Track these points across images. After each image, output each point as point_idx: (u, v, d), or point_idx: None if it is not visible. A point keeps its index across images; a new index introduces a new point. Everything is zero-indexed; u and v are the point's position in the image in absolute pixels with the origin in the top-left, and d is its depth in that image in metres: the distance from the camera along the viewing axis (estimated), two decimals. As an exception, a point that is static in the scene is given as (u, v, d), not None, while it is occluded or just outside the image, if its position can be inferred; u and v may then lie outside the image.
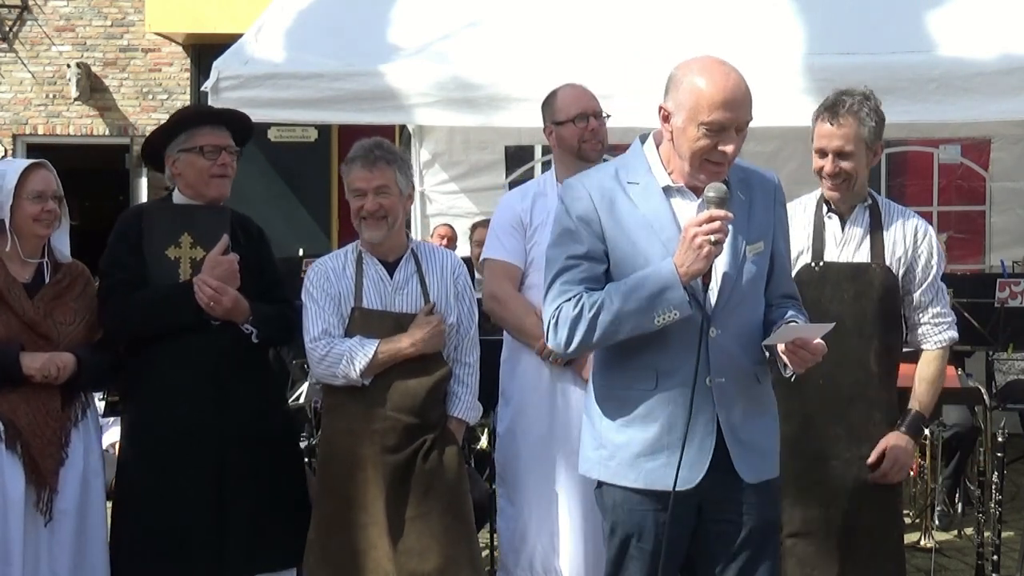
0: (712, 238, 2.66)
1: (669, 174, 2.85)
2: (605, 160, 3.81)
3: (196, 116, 3.88)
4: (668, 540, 2.84)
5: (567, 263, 2.85)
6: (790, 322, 2.84)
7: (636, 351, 2.84)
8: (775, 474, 2.95)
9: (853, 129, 3.44)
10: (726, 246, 2.77)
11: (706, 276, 2.72)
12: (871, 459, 3.46)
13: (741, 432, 2.85)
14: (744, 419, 2.85)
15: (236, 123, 3.92)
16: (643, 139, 2.93)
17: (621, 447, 2.87)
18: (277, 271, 3.99)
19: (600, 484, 2.97)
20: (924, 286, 3.54)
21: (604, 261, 2.84)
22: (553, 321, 2.86)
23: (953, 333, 3.58)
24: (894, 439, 3.47)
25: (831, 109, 3.49)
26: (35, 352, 3.60)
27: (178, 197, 3.83)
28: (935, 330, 3.56)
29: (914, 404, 3.53)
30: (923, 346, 3.58)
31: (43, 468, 3.59)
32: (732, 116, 2.72)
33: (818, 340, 2.78)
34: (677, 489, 2.77)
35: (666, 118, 2.82)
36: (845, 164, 3.46)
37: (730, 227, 2.76)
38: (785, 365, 2.84)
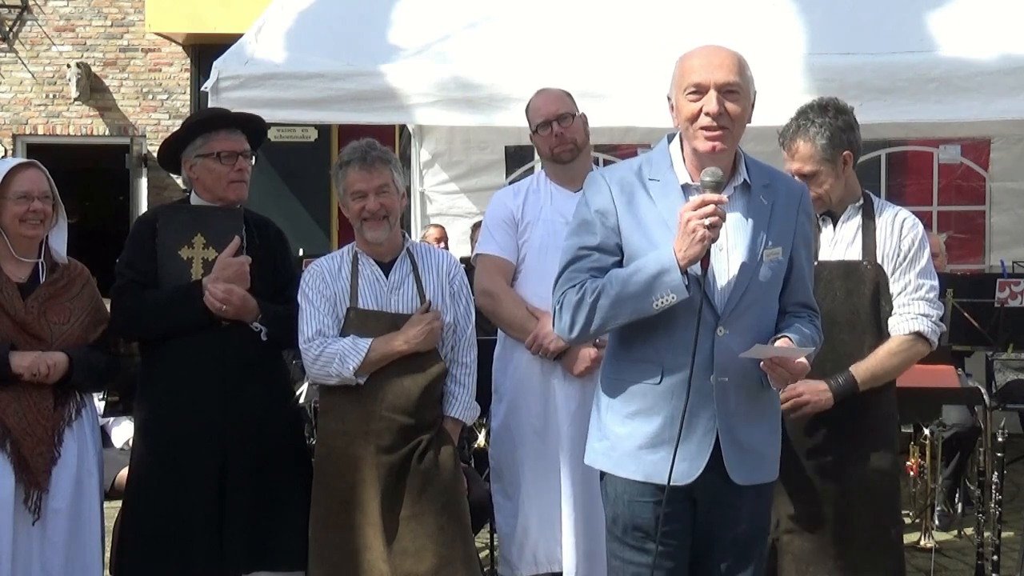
0: (706, 221, 2.66)
1: (689, 172, 2.87)
2: (607, 159, 3.80)
3: (213, 120, 3.88)
4: (672, 535, 2.87)
5: (579, 253, 2.89)
6: (781, 337, 2.84)
7: (644, 344, 2.86)
8: (771, 478, 2.97)
9: (806, 150, 3.47)
10: (744, 247, 2.80)
11: (704, 260, 2.71)
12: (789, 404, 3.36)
13: (739, 433, 2.86)
14: (744, 421, 2.86)
15: (251, 126, 3.93)
16: (670, 138, 2.95)
17: (623, 439, 2.89)
18: (292, 272, 3.97)
19: (603, 475, 2.99)
20: (897, 272, 3.51)
21: (616, 254, 2.86)
22: (558, 307, 2.90)
23: (918, 326, 3.48)
24: (814, 382, 3.38)
25: (783, 136, 3.55)
26: (25, 351, 3.59)
27: (195, 199, 3.85)
28: (899, 319, 3.50)
29: (855, 369, 3.44)
30: (890, 331, 3.53)
31: (33, 467, 3.58)
32: (707, 76, 2.76)
33: (801, 360, 2.79)
34: (673, 484, 2.79)
35: (671, 107, 2.87)
36: (811, 185, 3.43)
37: (749, 229, 2.79)
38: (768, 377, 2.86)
